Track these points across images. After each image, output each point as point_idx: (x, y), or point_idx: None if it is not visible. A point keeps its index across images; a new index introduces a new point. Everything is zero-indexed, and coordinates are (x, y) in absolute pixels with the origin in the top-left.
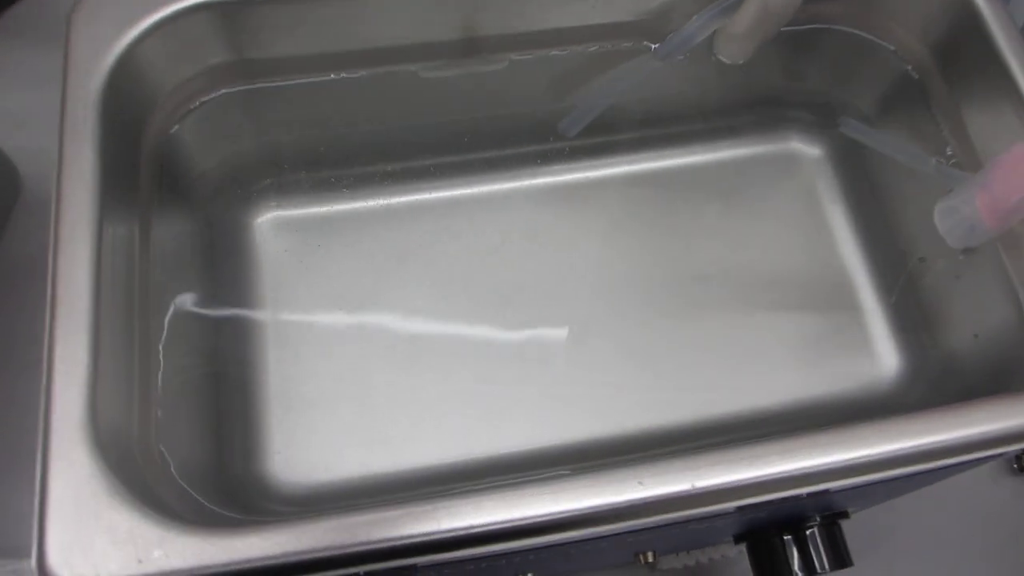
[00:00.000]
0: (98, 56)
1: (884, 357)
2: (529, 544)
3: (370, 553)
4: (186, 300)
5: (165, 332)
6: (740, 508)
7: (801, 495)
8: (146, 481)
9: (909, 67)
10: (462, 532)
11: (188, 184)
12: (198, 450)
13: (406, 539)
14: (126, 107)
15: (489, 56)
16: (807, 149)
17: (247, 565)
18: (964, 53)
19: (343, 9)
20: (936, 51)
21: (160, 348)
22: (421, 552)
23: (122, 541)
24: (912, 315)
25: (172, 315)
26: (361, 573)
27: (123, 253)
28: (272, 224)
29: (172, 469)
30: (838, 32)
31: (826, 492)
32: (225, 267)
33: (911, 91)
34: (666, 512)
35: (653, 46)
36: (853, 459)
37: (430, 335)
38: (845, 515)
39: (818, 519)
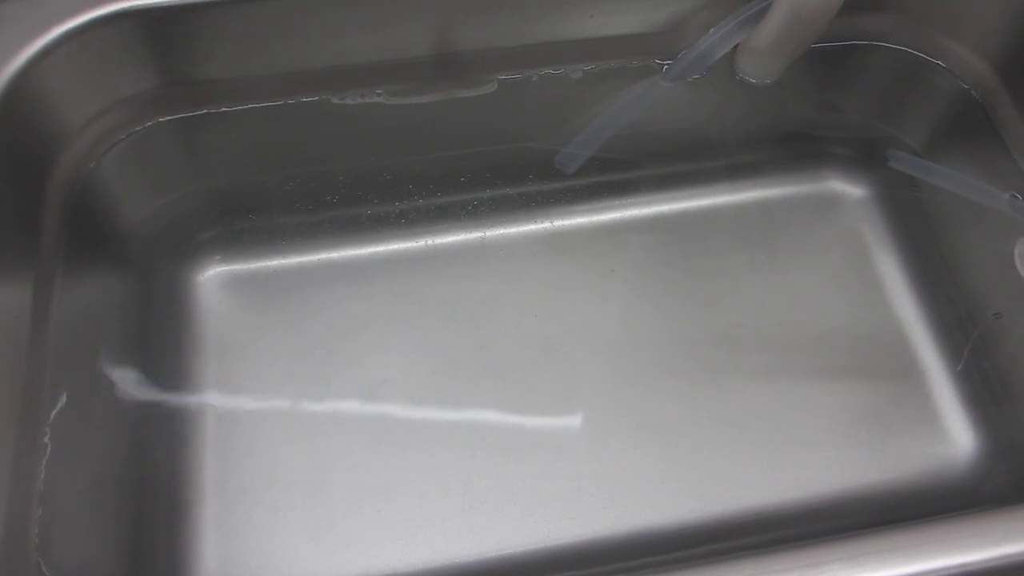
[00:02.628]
0: None
1: (955, 435)
2: None
3: None
4: (100, 373)
5: (57, 409)
6: None
7: None
8: None
9: (968, 87)
10: None
11: (113, 233)
12: (102, 558)
13: None
14: (25, 137)
15: (471, 77)
16: (849, 188)
17: None
18: None
19: (292, 21)
20: (1001, 67)
21: (47, 429)
22: None
23: None
24: (988, 383)
25: (73, 390)
26: None
27: (4, 314)
28: (218, 281)
29: None
30: (884, 50)
31: None
32: (160, 332)
33: (973, 116)
34: None
35: (664, 64)
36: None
37: (402, 415)
38: None
39: None
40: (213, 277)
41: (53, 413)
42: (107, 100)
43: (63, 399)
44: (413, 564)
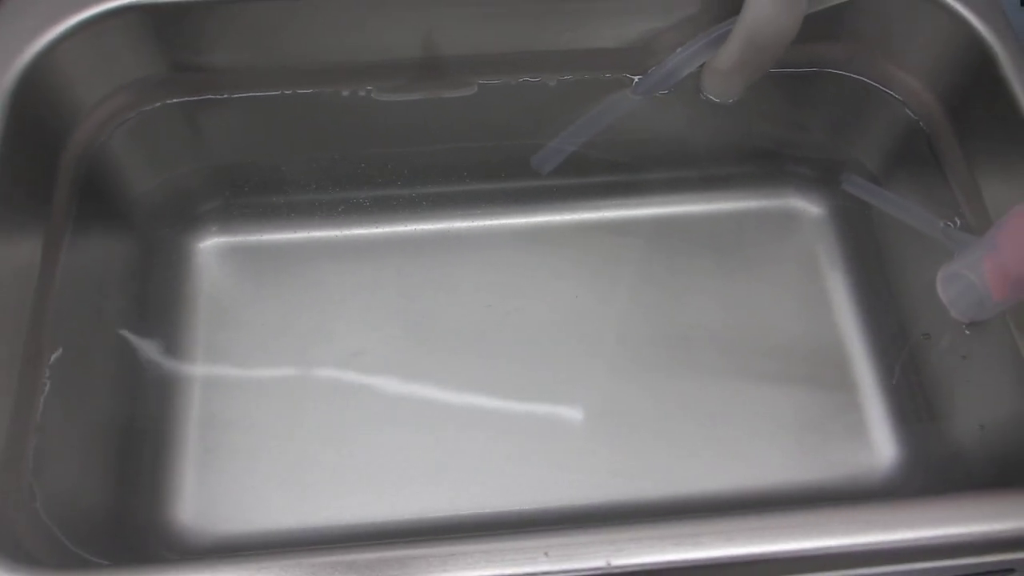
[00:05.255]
0: (14, 55)
1: (880, 445)
2: None
3: None
4: (100, 327)
5: (57, 355)
6: None
7: None
8: None
9: (918, 119)
10: None
11: (120, 202)
12: (89, 488)
13: None
14: (43, 112)
15: (454, 79)
16: (807, 207)
17: None
18: (977, 104)
19: (290, 20)
20: (946, 101)
21: (47, 371)
22: None
23: None
24: (914, 398)
25: (73, 339)
26: None
27: (14, 267)
28: (214, 251)
29: (37, 503)
30: (840, 77)
31: None
32: (158, 294)
33: (920, 146)
34: None
35: (635, 78)
36: (793, 551)
37: (375, 383)
38: None
39: None
40: (211, 246)
41: (53, 357)
42: (118, 82)
43: (63, 346)
44: (373, 515)
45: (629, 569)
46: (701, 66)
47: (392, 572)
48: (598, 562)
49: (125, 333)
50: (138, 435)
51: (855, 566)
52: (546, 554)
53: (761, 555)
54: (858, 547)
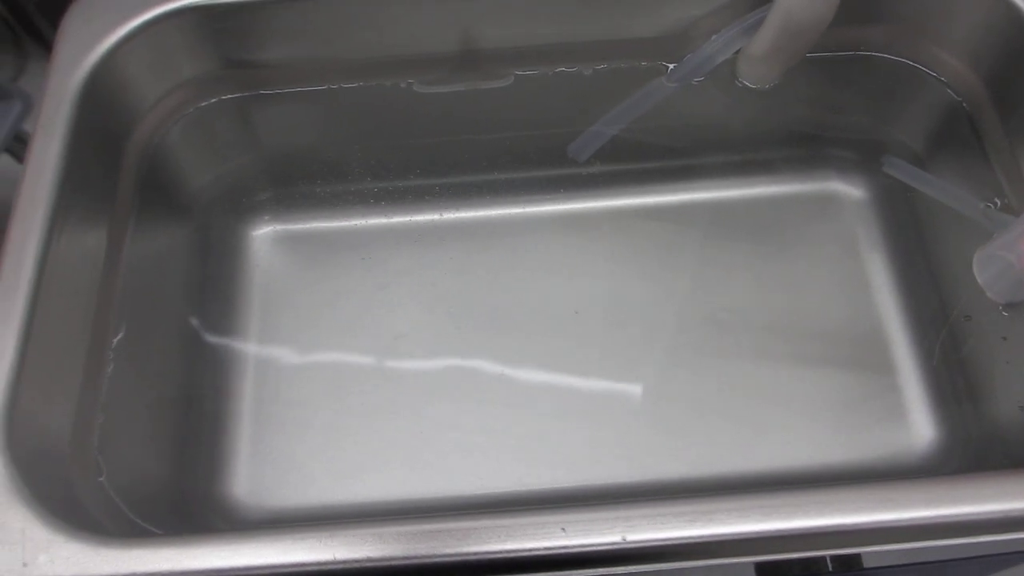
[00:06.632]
0: (82, 54)
1: (919, 426)
2: None
3: None
4: (160, 310)
5: (120, 337)
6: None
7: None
8: (65, 484)
9: (961, 99)
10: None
11: (180, 192)
12: (151, 463)
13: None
14: (108, 108)
15: (491, 71)
16: (849, 190)
17: None
18: (1020, 83)
19: (335, 17)
20: (989, 81)
21: (111, 352)
22: None
23: (11, 542)
24: (953, 380)
25: (136, 322)
26: None
27: (83, 253)
28: (267, 238)
29: (103, 478)
30: (881, 60)
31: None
32: (215, 279)
33: (962, 127)
34: (594, 566)
35: (671, 66)
36: (805, 528)
37: (416, 364)
38: None
39: None
40: (264, 234)
41: (116, 340)
42: (176, 80)
43: (126, 328)
44: (415, 492)
45: (644, 544)
46: (736, 53)
47: (414, 545)
48: (614, 537)
49: (183, 316)
50: (195, 414)
51: (870, 543)
52: (563, 529)
53: (774, 532)
54: (869, 525)
